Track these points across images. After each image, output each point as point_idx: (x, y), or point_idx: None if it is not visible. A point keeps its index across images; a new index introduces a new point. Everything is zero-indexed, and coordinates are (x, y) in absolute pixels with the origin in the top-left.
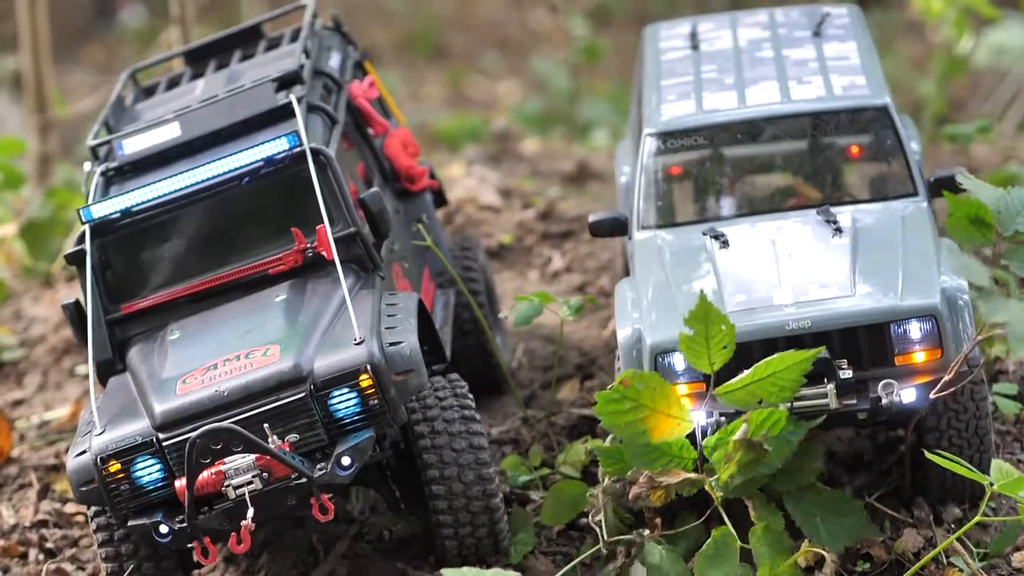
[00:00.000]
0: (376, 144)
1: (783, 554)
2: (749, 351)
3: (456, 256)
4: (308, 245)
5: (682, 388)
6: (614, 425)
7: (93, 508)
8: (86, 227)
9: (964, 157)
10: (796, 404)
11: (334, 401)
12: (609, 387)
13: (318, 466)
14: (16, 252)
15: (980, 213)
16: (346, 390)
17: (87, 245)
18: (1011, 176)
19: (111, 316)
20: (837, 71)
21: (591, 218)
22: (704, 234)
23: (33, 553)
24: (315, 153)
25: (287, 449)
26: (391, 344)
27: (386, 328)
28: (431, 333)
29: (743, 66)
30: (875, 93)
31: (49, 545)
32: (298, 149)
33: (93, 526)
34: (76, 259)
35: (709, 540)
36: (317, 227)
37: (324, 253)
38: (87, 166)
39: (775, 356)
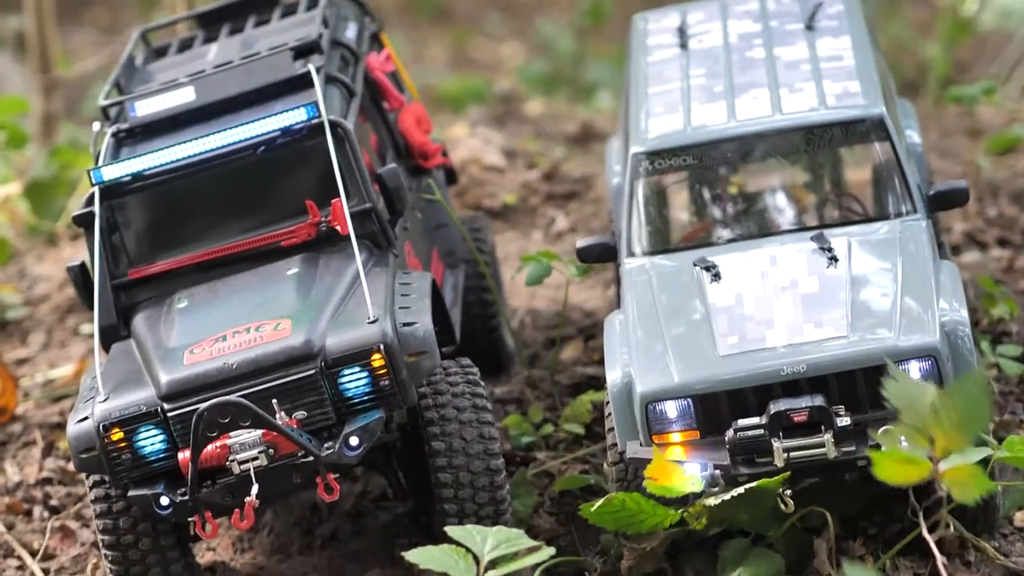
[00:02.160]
0: (390, 119)
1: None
2: (743, 396)
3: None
4: (322, 219)
5: (675, 436)
6: (603, 523)
7: (92, 477)
8: (95, 189)
9: (969, 119)
10: (793, 456)
11: (344, 379)
12: (597, 505)
13: (325, 445)
14: (20, 211)
15: None
16: (357, 369)
17: (96, 207)
18: (1016, 138)
19: (117, 281)
20: (830, 75)
21: (579, 244)
22: (695, 264)
23: (38, 510)
24: (333, 125)
25: (295, 426)
26: (405, 324)
27: (400, 308)
28: (442, 314)
29: (733, 69)
30: (870, 102)
31: (53, 502)
32: (316, 120)
33: (91, 496)
34: (84, 221)
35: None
36: (333, 201)
37: (339, 228)
38: (96, 126)
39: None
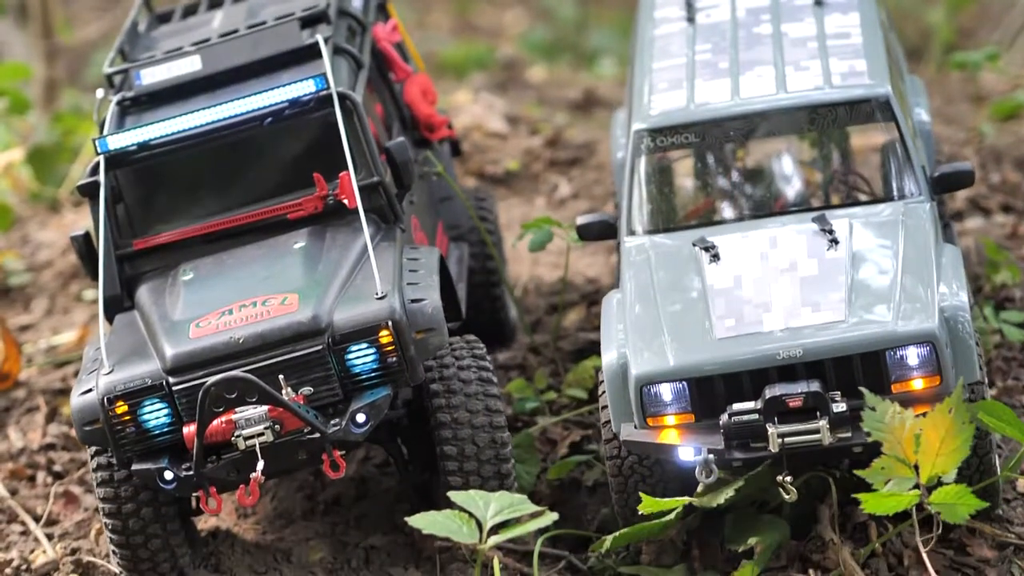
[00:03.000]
0: (396, 90)
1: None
2: (738, 380)
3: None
4: (330, 192)
5: (670, 419)
6: (619, 544)
7: (94, 448)
8: (100, 158)
9: (972, 85)
10: (787, 441)
11: (352, 356)
12: (607, 543)
13: (332, 422)
14: (23, 177)
15: None
16: (365, 345)
17: (101, 177)
18: (1019, 104)
19: (121, 251)
20: (837, 53)
21: (579, 221)
22: (694, 244)
23: (41, 476)
24: (342, 97)
25: (301, 402)
26: (413, 301)
27: (408, 284)
28: (449, 289)
29: (739, 45)
30: (876, 81)
31: (57, 468)
32: (325, 92)
33: (93, 465)
34: (89, 190)
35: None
36: (341, 174)
37: (346, 201)
38: (100, 93)
39: None
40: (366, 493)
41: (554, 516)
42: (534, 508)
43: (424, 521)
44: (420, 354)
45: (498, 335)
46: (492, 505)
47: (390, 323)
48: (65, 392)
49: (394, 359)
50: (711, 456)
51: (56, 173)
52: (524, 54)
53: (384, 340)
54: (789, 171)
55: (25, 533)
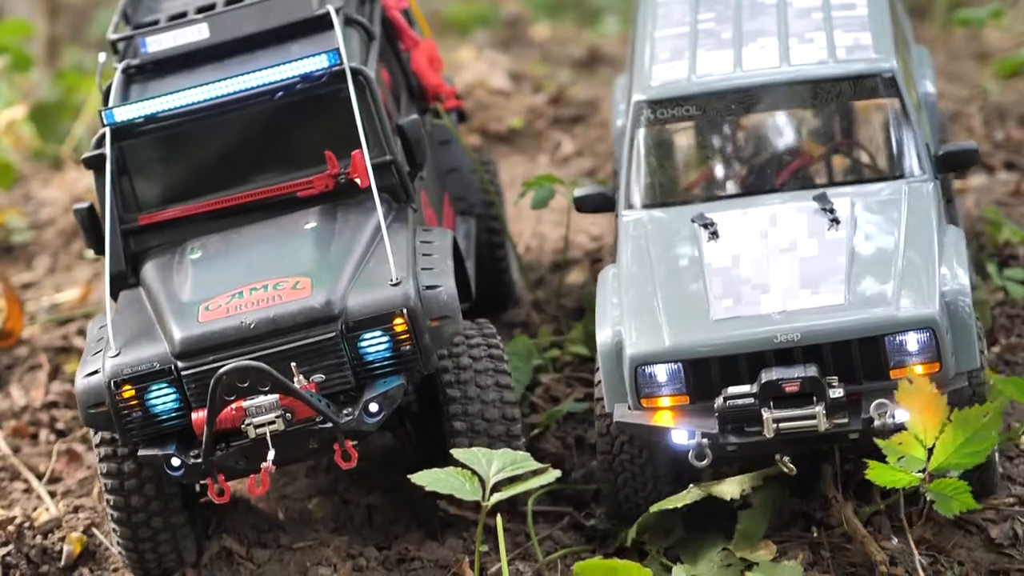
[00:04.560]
0: (404, 59)
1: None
2: (735, 363)
3: (474, 177)
4: (341, 171)
5: (664, 401)
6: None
7: (100, 434)
8: (106, 130)
9: (976, 43)
10: (783, 427)
11: (365, 343)
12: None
13: (344, 411)
14: (25, 135)
15: None
16: (379, 333)
17: (107, 149)
18: (1023, 62)
19: (127, 226)
20: (842, 24)
21: (576, 193)
22: (693, 221)
23: (44, 433)
24: (355, 73)
25: (313, 390)
26: (428, 287)
27: (422, 269)
28: (460, 271)
29: (743, 14)
30: (881, 56)
31: (60, 425)
32: (337, 68)
33: (98, 452)
34: (94, 163)
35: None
36: (353, 152)
37: (358, 180)
38: (102, 57)
39: None
40: (368, 451)
41: (557, 473)
42: (537, 465)
43: (427, 478)
44: (434, 342)
45: (501, 299)
46: (495, 462)
47: (405, 311)
48: (68, 350)
49: (408, 347)
50: (705, 440)
51: (58, 130)
52: (528, 11)
53: (399, 328)
54: (791, 145)
55: (28, 491)
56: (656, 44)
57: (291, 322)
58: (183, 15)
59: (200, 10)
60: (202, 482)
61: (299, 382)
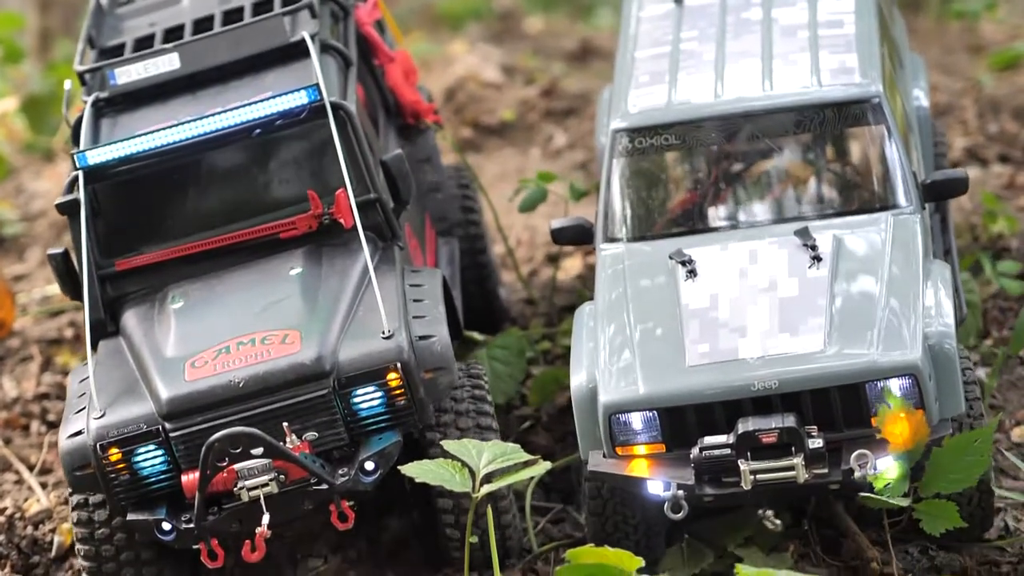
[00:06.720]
0: (379, 74)
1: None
2: (711, 411)
3: (454, 195)
4: (325, 210)
5: (640, 449)
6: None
7: (75, 496)
8: (79, 173)
9: (971, 35)
10: (760, 478)
11: (358, 399)
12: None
13: (340, 471)
14: (17, 127)
15: None
16: (372, 388)
17: (80, 194)
18: (1018, 54)
19: (103, 271)
20: (828, 45)
21: (553, 224)
22: (671, 258)
23: (35, 425)
24: (335, 108)
25: (307, 451)
26: (421, 338)
27: (414, 317)
28: (450, 308)
29: (727, 33)
30: (867, 80)
31: (51, 417)
32: (317, 103)
33: (73, 518)
34: (68, 208)
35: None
36: (337, 192)
37: (342, 221)
38: (67, 84)
39: None
40: None
41: (547, 465)
42: (527, 456)
43: (417, 470)
44: (429, 395)
45: (490, 317)
46: (485, 454)
47: (399, 365)
48: (59, 342)
49: (402, 401)
50: (681, 492)
51: (50, 123)
52: (521, 4)
53: (393, 383)
54: (773, 175)
55: (19, 482)
56: (637, 65)
57: (281, 380)
58: (150, 38)
59: (168, 32)
60: (194, 547)
61: (291, 442)
